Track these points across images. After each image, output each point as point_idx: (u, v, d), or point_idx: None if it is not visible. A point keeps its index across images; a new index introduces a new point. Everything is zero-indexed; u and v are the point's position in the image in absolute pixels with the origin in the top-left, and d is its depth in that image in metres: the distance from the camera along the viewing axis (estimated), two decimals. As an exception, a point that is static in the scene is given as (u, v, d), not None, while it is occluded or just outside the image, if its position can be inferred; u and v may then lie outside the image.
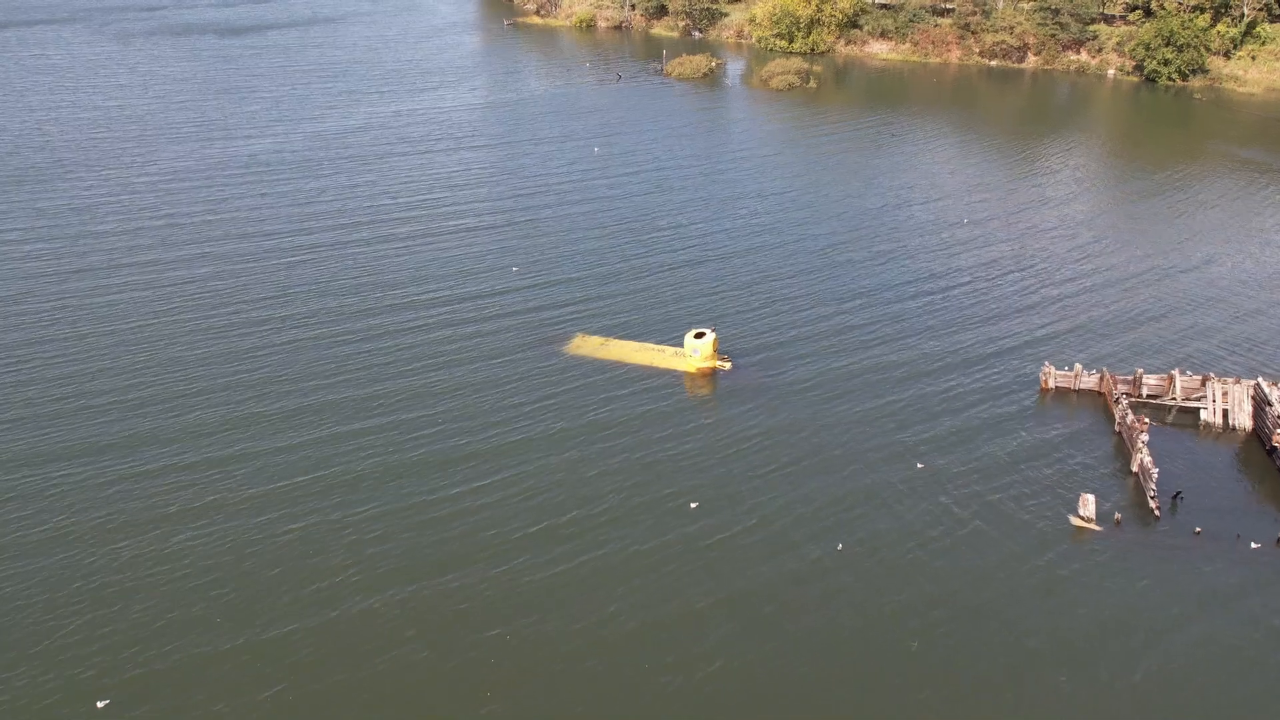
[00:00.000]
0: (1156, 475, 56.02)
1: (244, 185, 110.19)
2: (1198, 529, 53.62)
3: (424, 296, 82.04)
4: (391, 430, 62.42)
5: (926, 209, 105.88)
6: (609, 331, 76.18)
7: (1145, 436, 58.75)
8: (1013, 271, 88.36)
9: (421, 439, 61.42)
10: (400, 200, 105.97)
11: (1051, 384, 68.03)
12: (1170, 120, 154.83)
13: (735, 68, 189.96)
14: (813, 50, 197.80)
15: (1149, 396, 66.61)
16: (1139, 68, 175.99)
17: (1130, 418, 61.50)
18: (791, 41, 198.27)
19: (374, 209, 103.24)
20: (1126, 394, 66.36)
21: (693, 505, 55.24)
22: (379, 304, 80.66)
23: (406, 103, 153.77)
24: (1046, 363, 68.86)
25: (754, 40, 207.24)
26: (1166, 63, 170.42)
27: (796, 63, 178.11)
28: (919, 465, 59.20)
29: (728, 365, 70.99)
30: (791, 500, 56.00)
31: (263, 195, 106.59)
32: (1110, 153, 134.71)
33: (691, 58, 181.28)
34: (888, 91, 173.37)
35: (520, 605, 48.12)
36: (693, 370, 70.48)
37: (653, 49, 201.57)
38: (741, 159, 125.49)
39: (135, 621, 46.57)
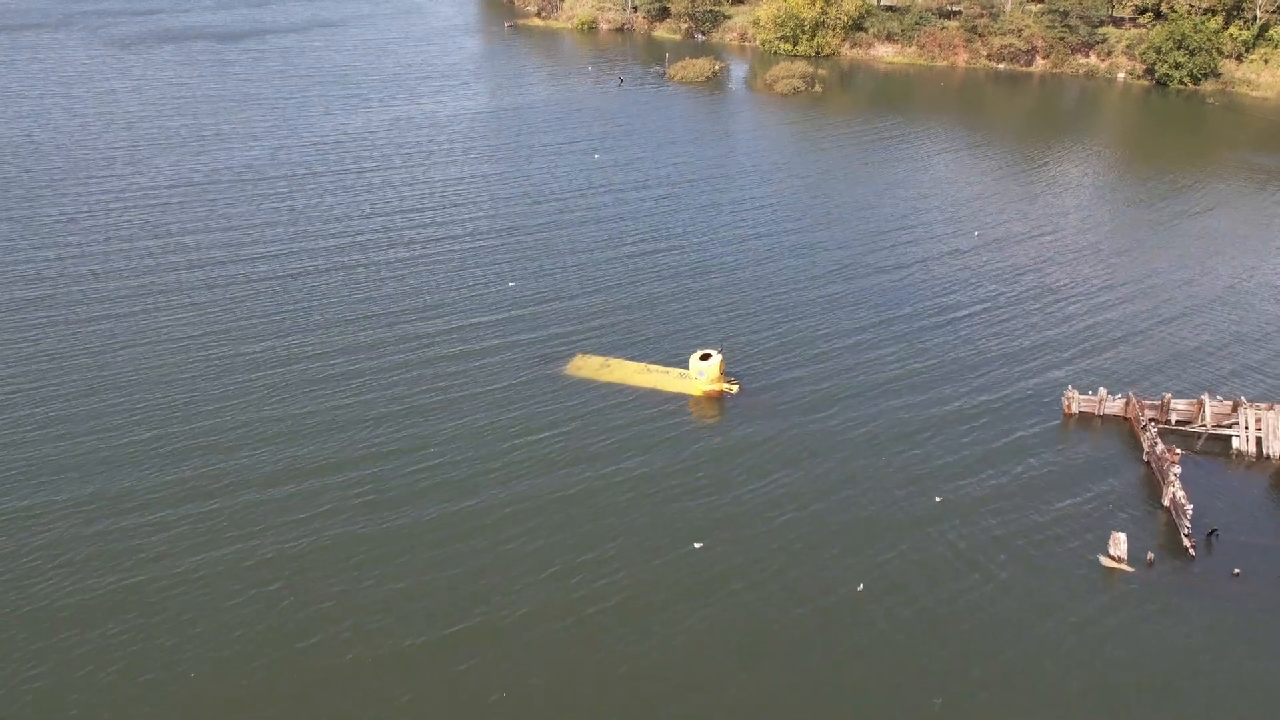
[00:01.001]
0: (1190, 512, 52.93)
1: (236, 198, 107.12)
2: (1236, 570, 50.61)
3: (417, 317, 78.96)
4: (371, 467, 59.33)
5: (940, 221, 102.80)
6: (611, 351, 73.25)
7: (1177, 469, 55.73)
8: (1032, 289, 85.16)
9: (405, 478, 58.15)
10: (397, 214, 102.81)
11: (1074, 409, 65.05)
12: (1183, 126, 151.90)
13: (739, 71, 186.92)
14: (817, 53, 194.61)
15: (1177, 423, 63.64)
16: (1150, 71, 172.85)
17: (1160, 447, 58.49)
18: (796, 44, 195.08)
19: (370, 223, 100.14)
20: (1153, 420, 63.38)
21: (697, 545, 52.13)
22: (371, 323, 77.67)
23: (406, 108, 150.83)
24: (1070, 387, 65.77)
25: (758, 43, 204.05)
26: (1178, 66, 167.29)
27: (801, 66, 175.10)
28: (938, 499, 56.15)
29: (735, 388, 68.03)
30: (805, 538, 53.01)
31: (255, 210, 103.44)
32: (1124, 160, 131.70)
33: (694, 61, 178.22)
34: (894, 96, 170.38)
35: (515, 668, 45.15)
36: (699, 394, 67.52)
37: (655, 52, 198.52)
38: (749, 169, 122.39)
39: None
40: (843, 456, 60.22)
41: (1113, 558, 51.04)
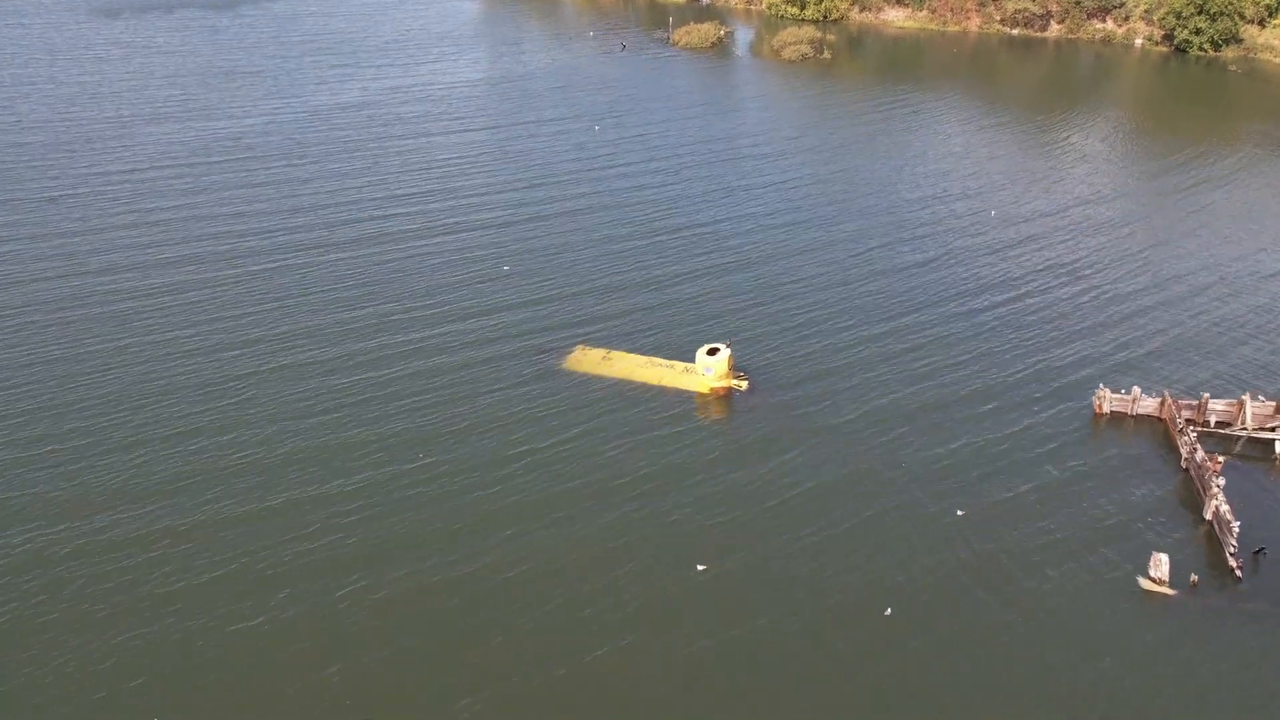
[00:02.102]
0: (1237, 529, 49.07)
1: (225, 174, 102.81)
2: (1288, 593, 46.95)
3: (404, 304, 74.86)
4: (352, 472, 55.59)
5: (960, 202, 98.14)
6: (612, 343, 69.29)
7: (1221, 480, 51.82)
8: (1058, 277, 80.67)
9: (386, 484, 54.52)
10: (390, 193, 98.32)
11: (1106, 409, 61.15)
12: (1204, 95, 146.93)
13: (745, 36, 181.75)
14: (825, 17, 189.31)
15: (1216, 424, 59.72)
16: (1169, 37, 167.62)
17: (1200, 455, 54.63)
18: (803, 8, 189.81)
19: (363, 202, 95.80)
20: (1190, 422, 59.46)
21: (700, 568, 48.28)
22: (362, 308, 73.69)
23: (402, 78, 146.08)
24: (1101, 385, 61.80)
25: (764, 6, 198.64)
26: (1198, 32, 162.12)
27: (809, 31, 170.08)
28: (960, 513, 52.29)
29: (744, 385, 64.12)
30: (819, 559, 49.16)
31: (245, 187, 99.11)
32: (1144, 132, 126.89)
33: (699, 26, 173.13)
34: (905, 63, 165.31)
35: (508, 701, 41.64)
36: (705, 391, 63.62)
37: (658, 16, 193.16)
38: (758, 143, 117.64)
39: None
40: (859, 463, 56.33)
41: (1153, 580, 47.33)
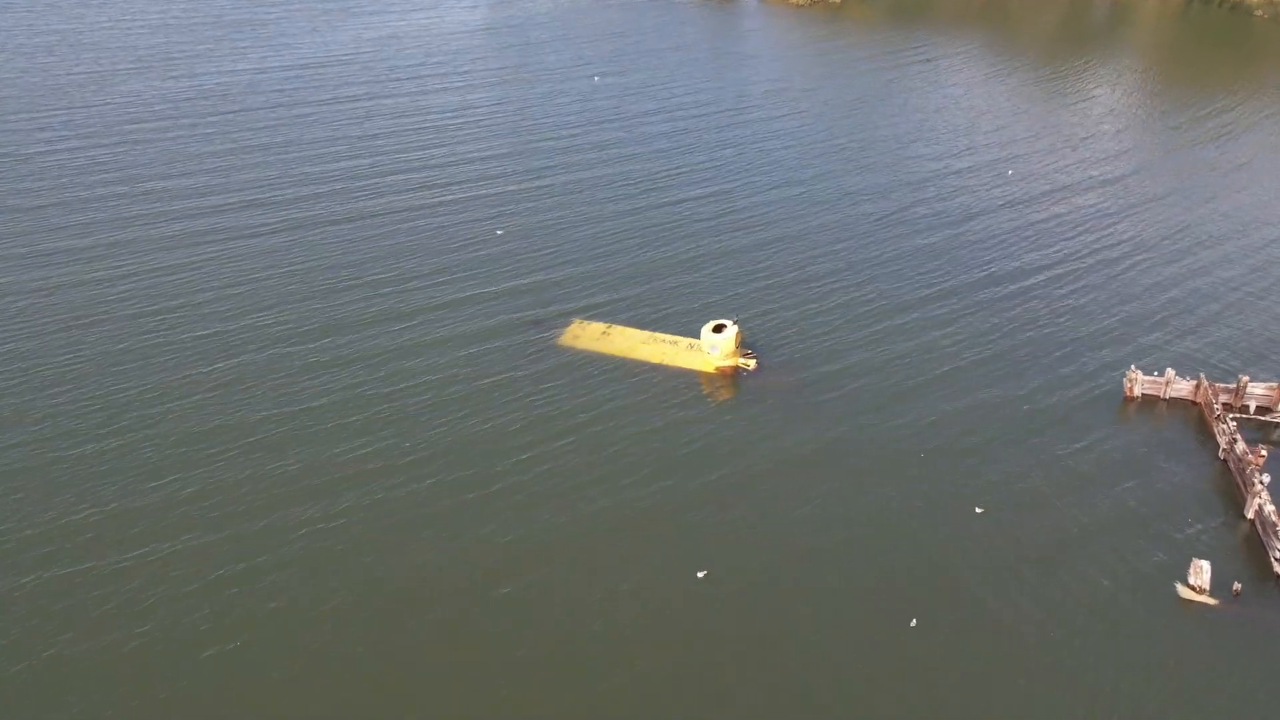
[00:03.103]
0: (1283, 531, 45.60)
1: (209, 131, 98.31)
2: (1339, 603, 43.49)
3: (390, 272, 71.00)
4: (323, 467, 52.04)
5: (983, 161, 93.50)
6: (612, 316, 65.50)
7: (1265, 477, 48.09)
8: (1082, 245, 76.25)
9: (362, 483, 51.03)
10: (381, 151, 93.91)
11: (1137, 391, 57.36)
12: (1230, 42, 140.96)
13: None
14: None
15: (1256, 410, 55.93)
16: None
17: (1241, 446, 50.87)
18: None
19: (350, 162, 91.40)
20: (1227, 406, 55.70)
21: (700, 574, 44.73)
22: (338, 280, 69.78)
23: (398, 22, 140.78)
24: (1133, 366, 57.94)
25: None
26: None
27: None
28: (978, 510, 48.67)
29: (752, 363, 60.33)
30: (830, 560, 45.67)
31: (229, 147, 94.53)
32: (1171, 83, 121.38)
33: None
34: (916, 7, 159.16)
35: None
36: (710, 370, 59.87)
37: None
38: (770, 97, 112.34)
39: None
40: (875, 452, 52.65)
41: (1193, 588, 43.88)
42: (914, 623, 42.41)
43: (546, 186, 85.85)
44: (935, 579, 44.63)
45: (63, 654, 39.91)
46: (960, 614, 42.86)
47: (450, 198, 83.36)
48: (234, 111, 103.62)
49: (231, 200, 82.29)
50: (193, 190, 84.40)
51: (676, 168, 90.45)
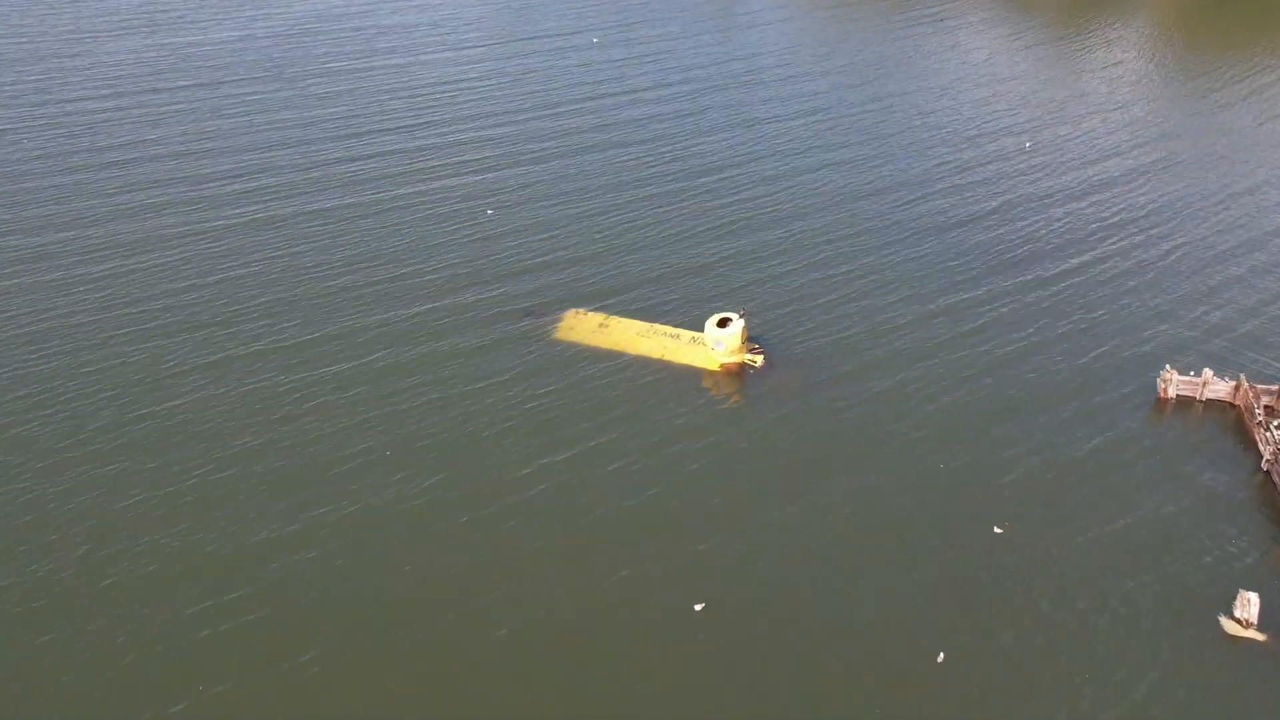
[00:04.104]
0: (1338, 559, 41.91)
1: (192, 99, 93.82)
2: (1400, 642, 39.84)
3: (374, 253, 67.17)
4: (302, 471, 48.36)
5: (1005, 136, 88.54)
6: (611, 306, 61.57)
7: (1317, 495, 44.45)
8: (1114, 236, 71.19)
9: (344, 494, 47.38)
10: (370, 127, 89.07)
11: (1171, 392, 53.49)
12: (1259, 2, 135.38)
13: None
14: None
15: (1301, 415, 52.13)
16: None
17: (1288, 458, 47.15)
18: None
19: (340, 136, 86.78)
20: (1270, 410, 51.80)
21: (698, 606, 40.98)
22: (324, 256, 65.84)
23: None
24: (1167, 366, 53.99)
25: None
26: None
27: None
28: (997, 530, 44.98)
29: (759, 360, 56.44)
30: (847, 591, 42.06)
31: (212, 116, 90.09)
32: (1197, 45, 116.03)
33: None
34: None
35: None
36: (715, 368, 56.00)
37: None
38: (781, 64, 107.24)
39: None
40: (890, 463, 48.92)
41: (1240, 621, 40.27)
42: (941, 658, 38.87)
43: (540, 162, 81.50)
44: (958, 608, 41.02)
45: None
46: (984, 648, 39.30)
47: (434, 172, 79.16)
48: (218, 77, 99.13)
49: (203, 174, 77.99)
50: (169, 166, 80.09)
51: (681, 142, 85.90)
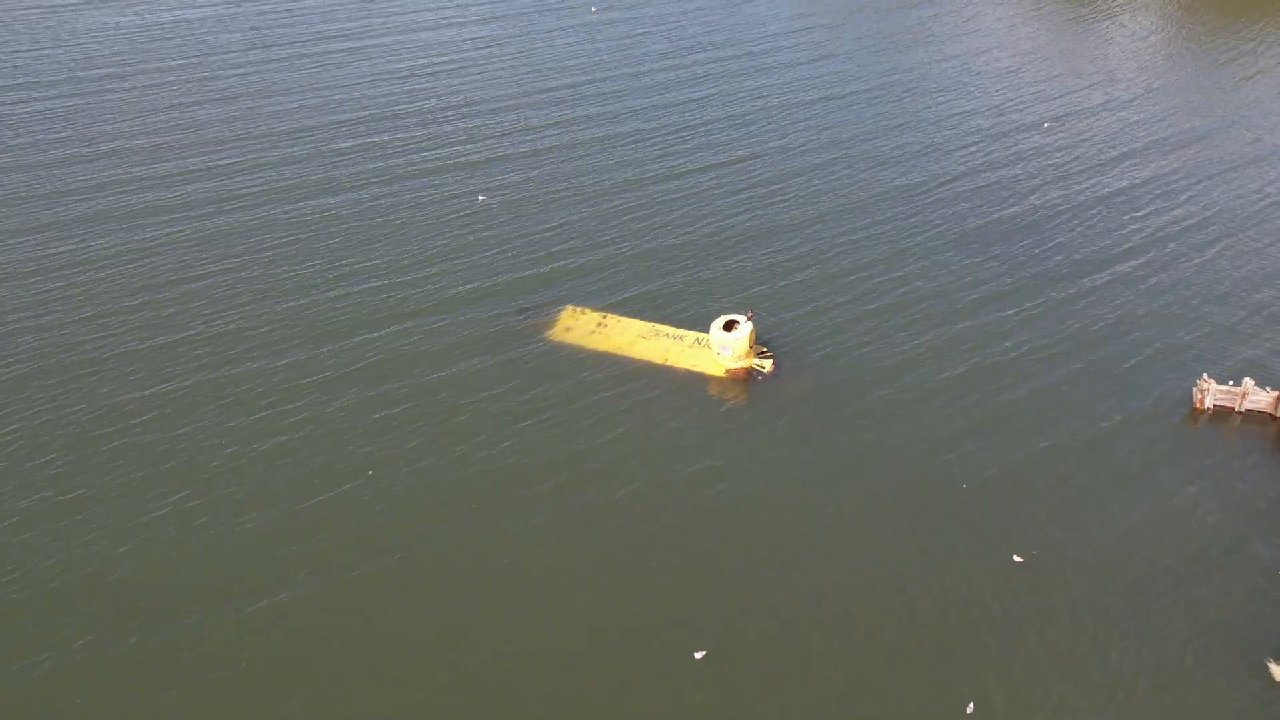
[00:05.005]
0: (1397, 599, 38.54)
1: (175, 81, 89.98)
2: None
3: (357, 244, 63.71)
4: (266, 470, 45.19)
5: (1034, 119, 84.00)
6: (610, 304, 58.14)
7: (1372, 526, 41.00)
8: (1140, 223, 67.35)
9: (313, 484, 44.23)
10: (354, 107, 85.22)
11: (1208, 403, 49.96)
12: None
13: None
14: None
15: (1351, 430, 48.66)
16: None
17: (1339, 482, 43.67)
18: None
19: (322, 117, 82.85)
20: (1315, 423, 48.37)
21: (699, 655, 37.74)
22: (304, 248, 62.45)
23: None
24: (1204, 375, 50.40)
25: None
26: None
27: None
28: (1017, 559, 41.68)
29: (768, 366, 52.98)
30: (860, 631, 38.88)
31: (195, 101, 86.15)
32: (1216, 7, 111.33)
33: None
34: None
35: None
36: (720, 374, 52.59)
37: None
38: (795, 38, 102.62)
39: None
40: (908, 481, 45.61)
41: (1290, 669, 37.03)
42: (970, 708, 35.73)
43: (536, 148, 77.50)
44: (988, 650, 37.82)
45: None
46: (1014, 697, 36.15)
47: (421, 154, 75.42)
48: (201, 54, 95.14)
49: (179, 164, 74.41)
50: (142, 153, 76.45)
51: (685, 124, 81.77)
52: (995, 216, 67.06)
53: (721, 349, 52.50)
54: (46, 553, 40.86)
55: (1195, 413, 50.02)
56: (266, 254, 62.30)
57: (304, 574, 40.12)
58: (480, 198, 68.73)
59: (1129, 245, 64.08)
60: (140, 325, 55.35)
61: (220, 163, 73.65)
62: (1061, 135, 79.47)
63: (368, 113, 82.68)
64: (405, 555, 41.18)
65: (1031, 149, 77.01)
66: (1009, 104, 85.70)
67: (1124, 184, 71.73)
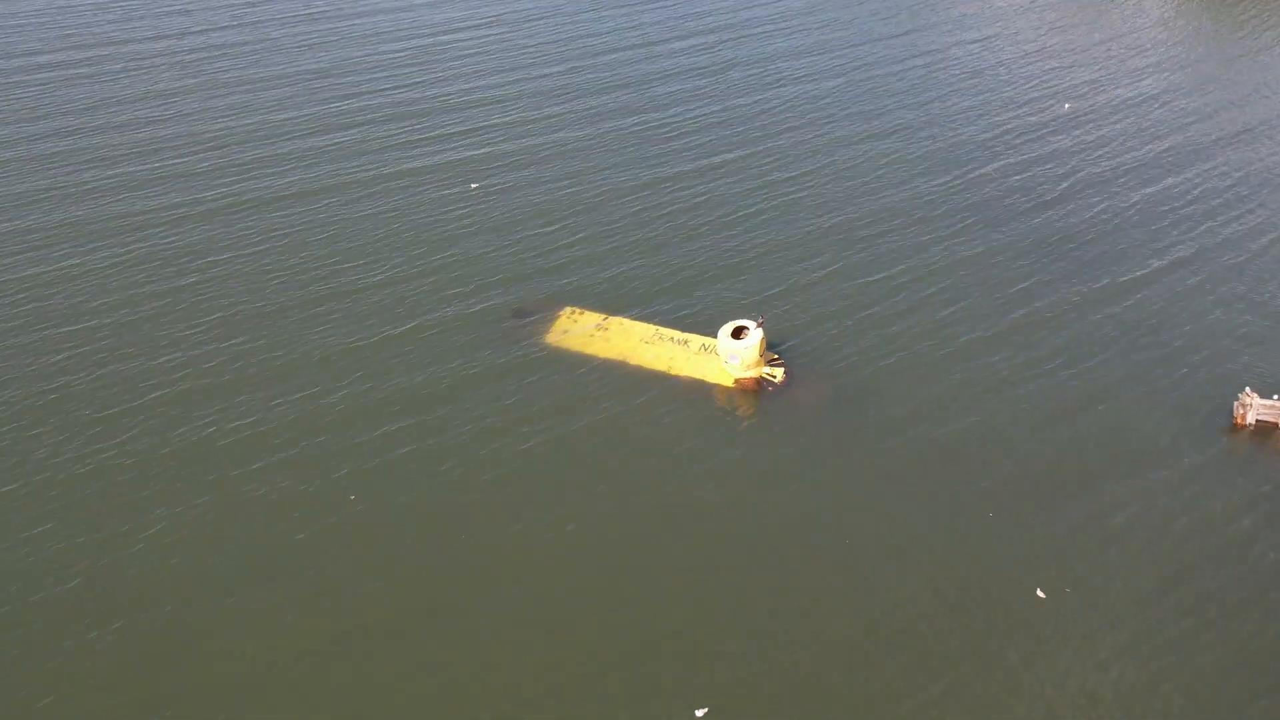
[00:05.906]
0: None
1: (162, 70, 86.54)
2: None
3: (334, 236, 60.41)
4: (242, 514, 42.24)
5: (1058, 107, 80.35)
6: (610, 305, 54.94)
7: None
8: (1177, 219, 62.83)
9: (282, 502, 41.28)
10: (338, 92, 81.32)
11: (1250, 418, 46.62)
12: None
13: None
14: None
15: (1407, 451, 45.30)
16: None
17: (1397, 514, 40.37)
18: None
19: (309, 105, 79.22)
20: (1366, 442, 45.02)
21: (699, 714, 34.34)
22: (271, 241, 59.30)
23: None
24: (1247, 389, 47.03)
25: None
26: None
27: None
28: (1040, 594, 38.56)
29: (779, 375, 49.71)
30: (880, 680, 35.84)
31: (174, 91, 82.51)
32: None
33: None
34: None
35: None
36: (728, 384, 49.40)
37: None
38: (802, 17, 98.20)
39: None
40: (926, 506, 42.45)
41: (1347, 729, 33.90)
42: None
43: (533, 131, 73.84)
44: (1012, 703, 34.82)
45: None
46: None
47: (410, 142, 71.88)
48: (189, 48, 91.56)
49: (158, 158, 71.17)
50: (116, 151, 73.11)
51: (691, 117, 77.32)
52: (1027, 217, 63.12)
53: (730, 358, 49.24)
54: None
55: (1236, 428, 46.73)
56: (245, 259, 59.18)
57: (282, 599, 37.18)
58: (473, 185, 65.32)
59: (1167, 247, 60.26)
60: (112, 336, 52.34)
61: (180, 165, 70.39)
62: (1090, 125, 75.58)
63: (340, 99, 79.15)
64: (388, 581, 38.20)
65: (1062, 145, 73.04)
66: (1036, 86, 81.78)
67: (1164, 180, 67.58)
